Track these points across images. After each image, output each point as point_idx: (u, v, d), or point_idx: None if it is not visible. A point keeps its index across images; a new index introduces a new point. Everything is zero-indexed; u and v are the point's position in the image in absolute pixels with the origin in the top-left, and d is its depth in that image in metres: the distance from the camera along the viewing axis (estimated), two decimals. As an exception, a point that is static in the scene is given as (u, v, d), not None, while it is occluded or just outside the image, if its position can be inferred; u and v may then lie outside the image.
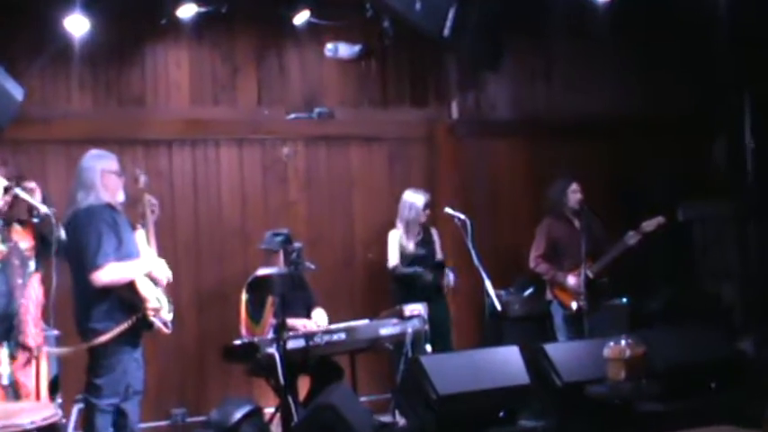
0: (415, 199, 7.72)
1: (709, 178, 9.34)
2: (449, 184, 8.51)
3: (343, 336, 6.55)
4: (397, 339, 6.83)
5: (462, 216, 7.48)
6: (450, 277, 7.53)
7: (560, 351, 6.59)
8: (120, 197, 5.71)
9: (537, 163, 8.79)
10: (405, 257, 7.65)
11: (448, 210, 7.62)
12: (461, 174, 8.60)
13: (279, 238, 7.07)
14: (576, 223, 7.70)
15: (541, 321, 7.96)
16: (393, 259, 7.64)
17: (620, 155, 9.04)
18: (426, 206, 7.71)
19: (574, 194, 7.74)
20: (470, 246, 7.28)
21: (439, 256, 7.77)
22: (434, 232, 7.90)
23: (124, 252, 5.56)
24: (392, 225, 7.80)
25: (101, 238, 5.44)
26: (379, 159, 8.39)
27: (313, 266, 6.76)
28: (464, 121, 8.68)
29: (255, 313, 6.89)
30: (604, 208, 8.22)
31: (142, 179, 5.96)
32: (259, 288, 6.81)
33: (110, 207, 5.61)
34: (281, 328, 6.32)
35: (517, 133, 8.88)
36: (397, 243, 7.66)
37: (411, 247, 7.65)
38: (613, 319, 7.82)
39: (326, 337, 6.47)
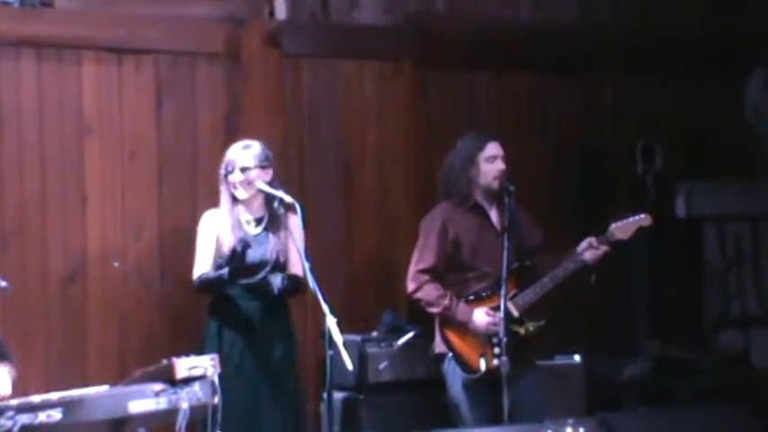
0: (238, 156, 7.61)
1: (735, 142, 9.53)
2: (266, 136, 8.22)
3: (56, 414, 6.33)
4: (161, 421, 6.63)
5: (288, 198, 7.46)
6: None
7: (457, 445, 6.63)
8: None
9: (429, 105, 8.99)
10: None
11: (260, 185, 7.62)
12: (290, 120, 8.73)
13: None
14: (494, 216, 7.81)
15: (426, 390, 8.09)
16: (202, 265, 7.67)
17: (579, 97, 9.28)
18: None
19: (490, 164, 7.75)
20: (300, 251, 7.27)
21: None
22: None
23: None
24: (166, 206, 8.02)
25: None
26: (139, 88, 8.42)
27: (4, 283, 6.72)
28: (297, 25, 8.84)
29: None
30: (544, 193, 8.46)
31: None
32: None
33: None
34: None
35: (397, 52, 9.00)
36: (214, 236, 7.68)
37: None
38: (556, 389, 7.96)
39: (23, 417, 6.24)
